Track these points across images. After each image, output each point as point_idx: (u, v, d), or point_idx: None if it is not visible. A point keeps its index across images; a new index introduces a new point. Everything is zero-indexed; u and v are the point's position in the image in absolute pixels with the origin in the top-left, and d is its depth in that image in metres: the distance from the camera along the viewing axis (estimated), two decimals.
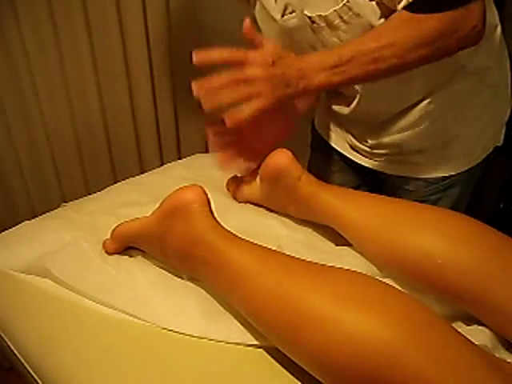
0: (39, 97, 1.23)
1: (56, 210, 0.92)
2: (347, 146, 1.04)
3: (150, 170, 1.11)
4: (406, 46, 0.71)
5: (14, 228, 0.84)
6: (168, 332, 0.65)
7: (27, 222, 0.86)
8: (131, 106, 1.41)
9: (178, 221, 0.67)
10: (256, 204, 0.90)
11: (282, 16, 0.83)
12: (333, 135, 1.07)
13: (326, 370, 0.54)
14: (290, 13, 0.82)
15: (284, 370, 0.60)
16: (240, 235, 0.67)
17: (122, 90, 1.37)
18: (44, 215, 0.89)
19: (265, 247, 0.65)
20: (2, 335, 0.70)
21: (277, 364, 0.60)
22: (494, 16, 0.85)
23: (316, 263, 0.62)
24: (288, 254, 0.66)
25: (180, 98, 1.51)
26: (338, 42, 0.81)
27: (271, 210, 0.88)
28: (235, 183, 0.93)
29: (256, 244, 0.66)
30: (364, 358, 0.50)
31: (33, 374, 0.64)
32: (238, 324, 0.65)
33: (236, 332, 0.64)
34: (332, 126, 1.07)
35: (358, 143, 1.00)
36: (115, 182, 1.03)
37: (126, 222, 0.76)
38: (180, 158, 1.20)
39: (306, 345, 0.54)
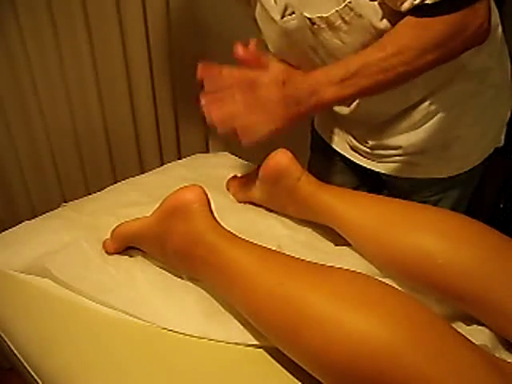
0: (39, 97, 1.23)
1: (56, 210, 0.92)
2: (347, 146, 1.04)
3: (150, 170, 1.11)
4: (413, 52, 0.71)
5: (14, 228, 0.84)
6: (168, 332, 0.65)
7: (27, 222, 0.86)
8: (131, 106, 1.41)
9: (178, 221, 0.67)
10: (256, 204, 0.90)
11: (282, 17, 0.83)
12: (333, 136, 1.07)
13: (326, 370, 0.54)
14: (290, 14, 0.82)
15: (284, 370, 0.60)
16: (240, 235, 0.67)
17: (122, 90, 1.37)
18: (44, 215, 0.89)
19: (265, 247, 0.65)
20: (2, 335, 0.70)
21: (277, 364, 0.61)
22: (495, 16, 0.85)
23: (316, 263, 0.62)
24: (288, 254, 0.66)
25: (180, 98, 1.51)
26: (339, 44, 0.80)
27: (271, 210, 0.88)
28: (235, 183, 0.94)
29: (256, 244, 0.66)
30: (364, 358, 0.50)
31: (33, 374, 0.64)
32: (238, 324, 0.65)
33: (236, 332, 0.64)
34: (332, 127, 1.07)
35: (358, 144, 1.00)
36: (115, 182, 1.03)
37: (126, 222, 0.76)
38: (180, 158, 1.20)
39: (306, 345, 0.54)
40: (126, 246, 0.76)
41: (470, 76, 0.86)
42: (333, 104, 0.77)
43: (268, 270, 0.61)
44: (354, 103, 0.90)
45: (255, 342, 0.63)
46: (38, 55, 1.19)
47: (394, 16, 0.73)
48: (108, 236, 0.77)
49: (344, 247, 0.78)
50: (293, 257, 0.64)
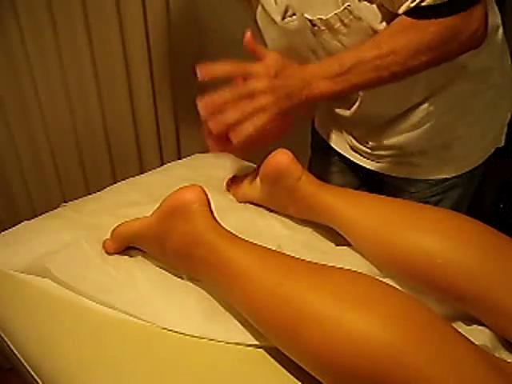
0: (39, 97, 1.23)
1: (56, 210, 0.92)
2: (348, 147, 1.04)
3: (150, 169, 1.11)
4: (407, 52, 0.71)
5: (14, 228, 0.84)
6: (168, 332, 0.65)
7: (27, 221, 0.86)
8: (131, 106, 1.41)
9: (178, 221, 0.67)
10: (256, 204, 0.90)
11: (283, 18, 0.83)
12: (333, 136, 1.07)
13: (326, 370, 0.54)
14: (291, 15, 0.82)
15: (284, 370, 0.60)
16: (240, 235, 0.67)
17: (122, 90, 1.37)
18: (44, 215, 0.89)
19: (265, 247, 0.65)
20: (2, 335, 0.70)
21: (277, 364, 0.60)
22: (495, 17, 0.85)
23: (316, 263, 0.62)
24: (288, 254, 0.66)
25: (180, 98, 1.51)
26: (338, 46, 0.80)
27: (271, 210, 0.88)
28: (235, 183, 0.93)
29: (256, 244, 0.66)
30: (364, 358, 0.50)
31: (33, 374, 0.64)
32: (238, 324, 0.65)
33: (236, 332, 0.64)
34: (333, 127, 1.07)
35: (358, 144, 1.00)
36: (115, 182, 1.03)
37: (126, 222, 0.76)
38: (180, 158, 1.20)
39: (306, 344, 0.54)
40: (125, 245, 0.76)
41: (471, 76, 0.86)
42: (324, 98, 0.76)
43: (268, 270, 0.61)
44: (355, 105, 0.90)
45: (255, 342, 0.63)
46: (38, 55, 1.19)
47: (393, 19, 0.73)
48: (108, 236, 0.77)
49: (344, 247, 0.78)
50: (293, 257, 0.64)
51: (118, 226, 0.76)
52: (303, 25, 0.81)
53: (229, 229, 0.68)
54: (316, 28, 0.80)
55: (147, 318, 0.66)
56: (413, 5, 0.69)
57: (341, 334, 0.51)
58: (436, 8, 0.69)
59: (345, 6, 0.74)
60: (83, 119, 1.33)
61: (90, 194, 0.99)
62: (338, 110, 0.97)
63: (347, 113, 0.94)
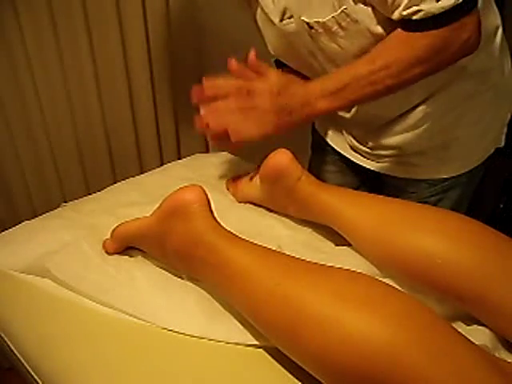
0: (40, 97, 1.23)
1: (56, 210, 0.92)
2: (348, 147, 1.04)
3: (149, 169, 1.11)
4: (401, 66, 0.73)
5: (14, 228, 0.84)
6: (168, 332, 0.65)
7: (27, 221, 0.86)
8: (131, 106, 1.41)
9: (177, 221, 0.67)
10: (256, 204, 0.90)
11: (281, 20, 0.84)
12: (333, 136, 1.07)
13: (326, 370, 0.54)
14: (289, 17, 0.82)
15: (284, 370, 0.60)
16: (240, 235, 0.67)
17: (122, 91, 1.37)
18: (44, 215, 0.89)
19: (265, 247, 0.65)
20: (2, 335, 0.70)
21: (277, 364, 0.61)
22: (495, 17, 0.85)
23: (316, 263, 0.62)
24: (288, 254, 0.66)
25: (180, 98, 1.51)
26: (336, 48, 0.81)
27: (271, 210, 0.88)
28: (235, 183, 0.94)
29: (256, 244, 0.66)
30: (364, 358, 0.50)
31: (32, 373, 0.64)
32: (238, 324, 0.65)
33: (236, 332, 0.64)
34: (332, 128, 1.07)
35: (358, 144, 1.00)
36: (115, 182, 1.03)
37: (126, 222, 0.76)
38: (180, 158, 1.20)
39: (306, 345, 0.54)
40: (125, 246, 0.76)
41: (470, 77, 0.86)
42: (324, 114, 0.81)
43: (268, 270, 0.61)
44: (355, 107, 0.91)
45: (255, 342, 0.63)
46: (38, 55, 1.18)
47: (389, 21, 0.74)
48: (108, 236, 0.77)
49: (344, 247, 0.78)
50: (293, 257, 0.64)
51: (117, 226, 0.76)
52: (301, 27, 0.81)
53: (229, 229, 0.68)
54: (313, 31, 0.80)
55: (147, 317, 0.66)
56: (405, 13, 0.70)
57: (341, 334, 0.51)
58: (427, 20, 0.69)
59: (342, 9, 0.75)
60: (83, 119, 1.33)
61: (90, 194, 0.99)
62: (338, 112, 0.97)
63: (347, 114, 0.94)
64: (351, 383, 0.52)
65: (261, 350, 0.63)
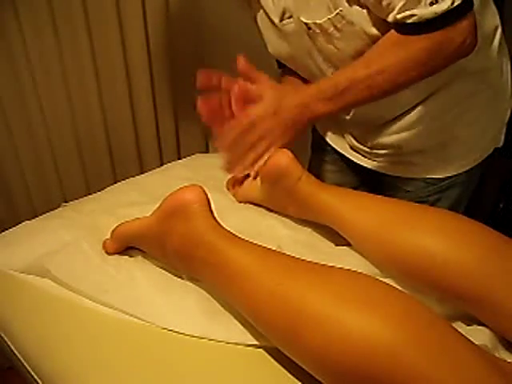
0: (40, 97, 1.23)
1: (56, 210, 0.92)
2: (347, 146, 1.04)
3: (150, 170, 1.11)
4: (396, 70, 0.74)
5: (14, 228, 0.84)
6: (168, 332, 0.65)
7: (27, 222, 0.86)
8: (131, 106, 1.41)
9: (177, 221, 0.67)
10: (256, 204, 0.90)
11: (281, 20, 0.84)
12: (333, 136, 1.07)
13: (327, 370, 0.54)
14: (289, 17, 0.83)
15: (284, 370, 0.60)
16: (240, 235, 0.67)
17: (122, 91, 1.37)
18: (44, 215, 0.89)
19: (265, 247, 0.65)
20: (2, 335, 0.70)
21: (277, 364, 0.60)
22: (494, 17, 0.85)
23: (316, 263, 0.62)
24: (288, 254, 0.66)
25: (180, 99, 1.52)
26: (333, 50, 0.82)
27: (271, 210, 0.88)
28: (235, 183, 0.93)
29: (256, 244, 0.66)
30: (364, 358, 0.50)
31: (32, 373, 0.64)
32: (238, 324, 0.65)
33: (236, 332, 0.64)
34: (332, 127, 1.07)
35: (357, 144, 1.00)
36: (115, 182, 1.03)
37: (126, 222, 0.76)
38: (180, 158, 1.20)
39: (306, 345, 0.54)
40: (126, 246, 0.76)
41: (470, 76, 0.86)
42: (324, 117, 0.82)
43: (268, 270, 0.61)
44: (354, 109, 0.91)
45: (255, 342, 0.63)
46: (38, 55, 1.19)
47: (385, 23, 0.74)
48: (108, 236, 0.77)
49: (344, 247, 0.78)
50: (293, 257, 0.64)
51: (117, 226, 0.76)
52: (299, 28, 0.82)
53: (229, 229, 0.68)
54: (311, 31, 0.81)
55: (147, 318, 0.66)
56: (399, 16, 0.70)
57: (341, 334, 0.51)
58: (422, 24, 0.69)
59: (337, 11, 0.75)
60: (83, 119, 1.33)
61: (90, 193, 0.99)
62: None
63: (347, 115, 0.94)
64: (351, 383, 0.52)
65: (261, 349, 0.63)
